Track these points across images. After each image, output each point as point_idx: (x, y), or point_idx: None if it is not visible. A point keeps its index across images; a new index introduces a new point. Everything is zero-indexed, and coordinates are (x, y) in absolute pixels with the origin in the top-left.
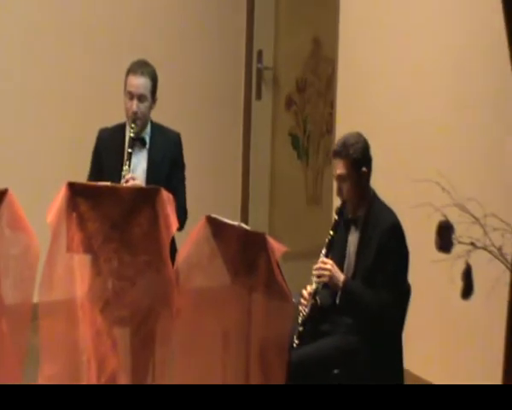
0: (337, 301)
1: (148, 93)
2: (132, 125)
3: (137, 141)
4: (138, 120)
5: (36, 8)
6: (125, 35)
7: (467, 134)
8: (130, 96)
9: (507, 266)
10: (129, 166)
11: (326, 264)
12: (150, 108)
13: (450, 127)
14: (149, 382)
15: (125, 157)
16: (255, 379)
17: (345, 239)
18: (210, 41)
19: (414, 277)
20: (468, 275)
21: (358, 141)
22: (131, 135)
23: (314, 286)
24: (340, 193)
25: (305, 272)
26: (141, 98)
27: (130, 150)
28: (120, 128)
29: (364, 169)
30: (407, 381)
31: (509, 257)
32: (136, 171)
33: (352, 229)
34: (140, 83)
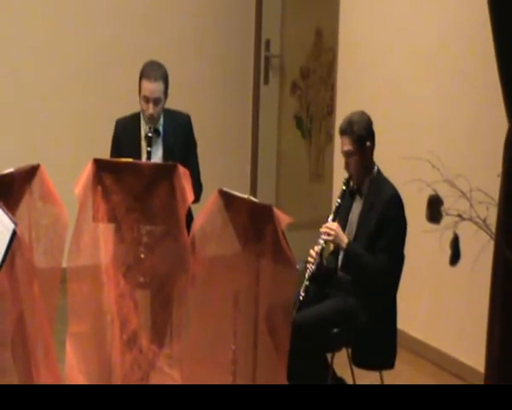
0: (339, 262)
1: (161, 95)
2: (150, 126)
3: (154, 135)
4: (154, 119)
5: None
6: (139, 26)
7: (455, 118)
8: (146, 99)
9: (491, 236)
10: (149, 159)
11: (332, 225)
12: (164, 104)
13: (439, 111)
14: (167, 341)
15: (145, 154)
16: (262, 338)
17: (349, 207)
18: (222, 31)
19: (407, 245)
20: (455, 244)
21: (362, 119)
22: (149, 135)
23: (320, 245)
24: (347, 167)
25: (307, 240)
26: (156, 101)
27: (149, 149)
28: (136, 118)
29: (368, 144)
30: (399, 339)
31: (492, 228)
32: (154, 159)
33: (357, 197)
34: (154, 88)
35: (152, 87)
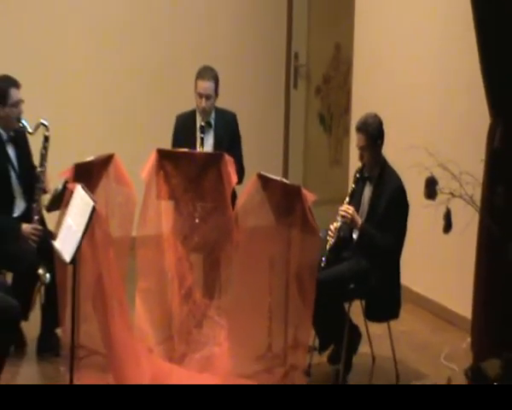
0: (354, 238)
1: (212, 92)
2: (202, 117)
3: (206, 124)
4: (206, 112)
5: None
6: (191, 41)
7: (447, 114)
8: (200, 96)
9: (476, 210)
10: (202, 146)
11: (349, 209)
12: (215, 100)
13: (435, 109)
14: (217, 295)
15: (199, 140)
16: (292, 292)
17: (361, 191)
18: (260, 47)
19: (409, 217)
20: (448, 217)
21: (375, 121)
22: (202, 124)
23: (339, 224)
24: (361, 158)
25: (329, 213)
26: (208, 97)
27: (202, 136)
28: (192, 114)
29: (379, 142)
30: (402, 293)
31: (478, 203)
32: (206, 146)
33: (368, 184)
34: (207, 86)
35: (205, 85)
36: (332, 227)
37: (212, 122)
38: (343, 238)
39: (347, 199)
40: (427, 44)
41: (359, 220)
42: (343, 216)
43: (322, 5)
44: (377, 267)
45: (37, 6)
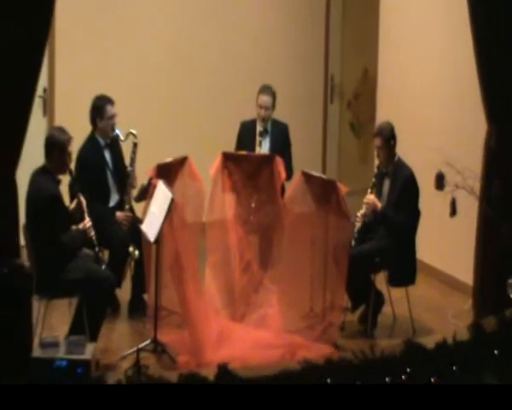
0: (376, 220)
1: (270, 105)
2: (262, 124)
3: (264, 131)
4: (265, 120)
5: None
6: (252, 67)
7: (455, 121)
8: (261, 107)
9: (476, 198)
10: (260, 146)
11: (371, 197)
12: (272, 112)
13: (444, 117)
14: (270, 267)
15: (257, 142)
16: (330, 266)
17: (381, 183)
18: (304, 71)
19: (422, 205)
20: (453, 204)
21: (388, 127)
22: (261, 129)
23: (364, 210)
24: (378, 156)
25: (359, 202)
26: (266, 108)
27: (260, 139)
28: (253, 122)
29: (392, 142)
30: (417, 265)
31: (477, 193)
32: (263, 149)
33: (386, 177)
34: (266, 99)
35: (265, 98)
36: (359, 214)
37: (269, 130)
38: (368, 223)
39: (369, 190)
40: (437, 66)
41: (379, 204)
42: (366, 203)
43: (353, 38)
44: (397, 244)
45: (124, 43)
